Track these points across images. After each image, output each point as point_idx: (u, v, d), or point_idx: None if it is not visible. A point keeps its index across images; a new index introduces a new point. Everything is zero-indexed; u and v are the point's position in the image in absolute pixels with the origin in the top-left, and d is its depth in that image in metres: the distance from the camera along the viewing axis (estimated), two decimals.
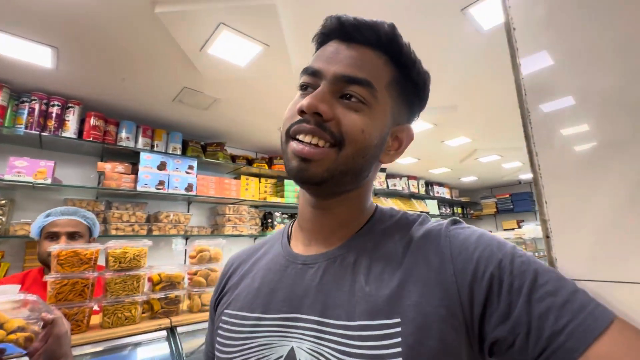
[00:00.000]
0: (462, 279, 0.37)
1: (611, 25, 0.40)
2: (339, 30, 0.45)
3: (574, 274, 0.40)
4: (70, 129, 2.28)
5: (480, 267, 0.37)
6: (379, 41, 0.44)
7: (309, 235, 0.49)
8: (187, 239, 2.92)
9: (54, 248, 0.99)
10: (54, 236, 1.30)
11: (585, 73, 0.42)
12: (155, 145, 2.72)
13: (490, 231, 5.58)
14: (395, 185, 4.85)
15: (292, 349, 0.40)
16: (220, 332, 0.48)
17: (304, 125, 0.41)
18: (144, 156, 2.58)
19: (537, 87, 0.47)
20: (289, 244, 0.52)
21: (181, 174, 2.75)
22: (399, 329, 0.36)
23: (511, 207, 5.95)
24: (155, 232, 2.61)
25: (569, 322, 0.32)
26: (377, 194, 4.83)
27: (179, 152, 2.84)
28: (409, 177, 5.18)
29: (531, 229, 4.70)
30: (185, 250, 2.91)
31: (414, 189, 5.15)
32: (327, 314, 0.40)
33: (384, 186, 4.65)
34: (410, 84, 0.47)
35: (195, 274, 1.24)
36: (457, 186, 6.32)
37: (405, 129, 0.49)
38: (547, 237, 0.44)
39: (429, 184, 5.61)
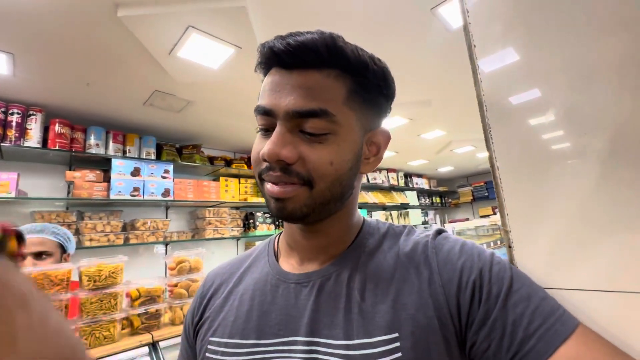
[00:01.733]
0: (448, 290, 0.39)
1: (562, 40, 0.43)
2: (277, 60, 0.41)
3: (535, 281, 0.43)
4: (33, 138, 2.16)
5: (464, 277, 0.39)
6: (322, 59, 0.39)
7: (300, 254, 0.48)
8: (167, 245, 2.85)
9: None
10: None
11: (539, 85, 0.44)
12: (127, 151, 2.62)
13: (467, 219, 5.78)
14: (375, 178, 4.91)
15: None
16: None
17: (270, 174, 0.40)
18: (115, 163, 2.49)
19: (497, 102, 0.49)
20: (277, 261, 0.50)
21: (157, 179, 2.67)
22: (398, 344, 0.36)
23: (486, 194, 6.18)
24: (132, 241, 2.53)
25: (539, 327, 0.34)
26: None
27: (153, 156, 2.75)
28: (389, 170, 5.26)
29: None
30: (165, 262, 2.85)
31: (393, 182, 5.24)
32: (326, 334, 0.40)
33: (364, 180, 4.71)
34: (370, 87, 0.43)
35: (175, 285, 1.22)
36: (435, 176, 6.49)
37: (379, 132, 0.47)
38: (510, 247, 0.46)
39: (407, 175, 5.73)
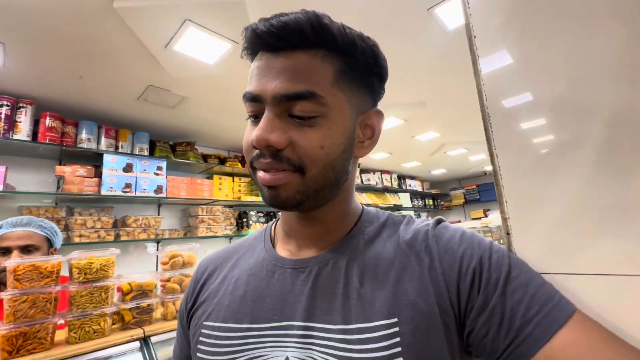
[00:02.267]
0: (449, 277, 0.39)
1: (561, 35, 0.43)
2: (262, 43, 0.40)
3: (531, 267, 0.43)
4: (22, 131, 2.11)
5: (464, 264, 0.39)
6: (307, 39, 0.38)
7: (297, 242, 0.47)
8: (158, 242, 2.81)
9: (10, 263, 0.92)
10: (5, 251, 1.19)
11: (539, 79, 0.45)
12: (119, 146, 2.59)
13: (459, 221, 5.84)
14: (369, 179, 4.93)
15: (286, 359, 0.39)
16: (201, 347, 0.44)
17: (261, 161, 0.39)
18: (107, 158, 2.45)
19: (497, 93, 0.49)
20: (274, 247, 0.49)
21: (149, 176, 2.64)
22: (397, 329, 0.36)
23: (478, 197, 6.26)
24: (123, 237, 2.49)
25: (537, 313, 0.34)
26: None
27: (146, 152, 2.72)
28: (382, 172, 5.29)
29: (496, 218, 4.98)
30: (157, 255, 2.81)
31: (387, 183, 5.27)
32: (323, 319, 0.39)
33: (358, 181, 4.72)
34: (359, 66, 0.42)
35: (168, 280, 1.20)
36: (428, 179, 6.54)
37: (372, 113, 0.46)
38: (508, 233, 0.47)
39: (401, 177, 5.77)
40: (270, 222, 0.55)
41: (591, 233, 0.40)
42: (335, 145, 0.40)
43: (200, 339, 0.45)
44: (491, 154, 0.49)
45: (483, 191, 6.24)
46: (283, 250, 0.48)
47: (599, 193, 0.40)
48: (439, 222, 0.46)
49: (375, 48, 0.43)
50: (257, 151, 0.40)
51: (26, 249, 1.23)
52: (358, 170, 4.74)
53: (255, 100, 0.40)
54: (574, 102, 0.42)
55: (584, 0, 0.42)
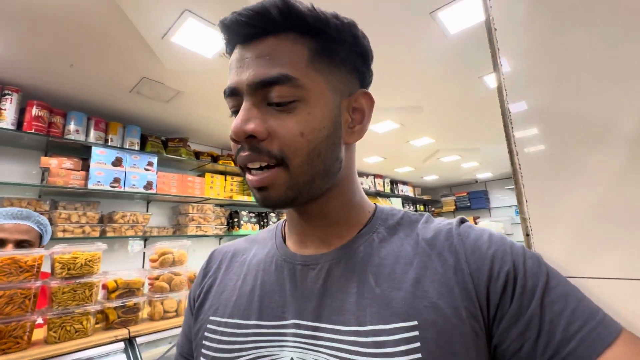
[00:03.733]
0: (478, 279, 0.35)
1: (587, 27, 0.42)
2: (234, 34, 0.39)
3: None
4: (7, 119, 2.02)
5: (495, 266, 0.35)
6: (275, 24, 0.37)
7: (304, 238, 0.45)
8: (145, 240, 2.73)
9: None
10: (0, 243, 1.12)
11: (563, 74, 0.43)
12: (109, 140, 2.51)
13: None
14: (362, 183, 4.92)
15: None
16: (206, 342, 0.42)
17: (241, 155, 0.38)
18: (96, 151, 2.37)
19: (518, 88, 0.47)
20: (284, 243, 0.47)
21: (139, 171, 2.56)
22: (416, 333, 0.33)
23: (468, 204, 6.32)
24: (109, 234, 2.40)
25: (580, 329, 0.31)
26: None
27: (137, 147, 2.64)
28: (375, 176, 5.29)
29: (486, 225, 5.04)
30: (144, 252, 2.72)
31: (379, 188, 5.27)
32: (334, 320, 0.37)
33: None
34: (336, 45, 0.39)
35: (157, 278, 1.15)
36: (420, 184, 6.58)
37: (359, 95, 0.43)
38: (527, 235, 0.45)
39: (393, 182, 5.79)
40: (282, 220, 0.53)
41: (616, 236, 0.38)
42: (317, 131, 0.37)
43: (206, 334, 0.44)
44: (510, 152, 0.47)
45: (473, 199, 6.30)
46: (293, 246, 0.46)
47: (625, 194, 0.38)
48: (462, 221, 0.43)
49: (352, 25, 0.41)
50: (238, 146, 0.38)
51: (21, 244, 1.15)
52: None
53: (233, 94, 0.39)
54: (601, 100, 0.40)
55: None
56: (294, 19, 0.37)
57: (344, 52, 0.40)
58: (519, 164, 0.46)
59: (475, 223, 5.75)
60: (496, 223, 5.12)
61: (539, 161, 0.44)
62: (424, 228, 0.43)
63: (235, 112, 0.40)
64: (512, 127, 0.48)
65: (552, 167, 0.43)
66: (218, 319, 0.44)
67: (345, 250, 0.42)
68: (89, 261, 0.98)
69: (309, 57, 0.38)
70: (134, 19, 1.56)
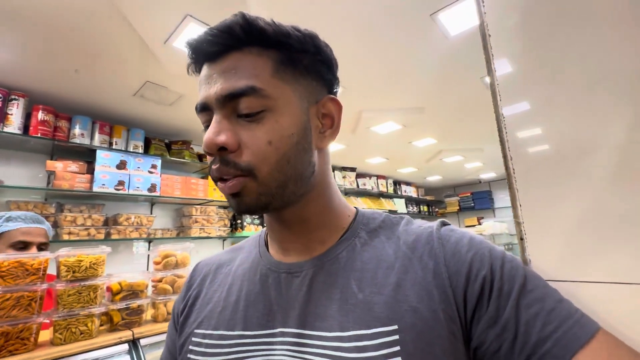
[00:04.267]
0: (456, 282, 0.37)
1: (579, 33, 0.42)
2: (201, 54, 0.41)
3: (546, 274, 0.41)
4: (13, 124, 2.06)
5: (473, 270, 0.37)
6: (239, 40, 0.38)
7: (285, 245, 0.46)
8: (150, 242, 2.76)
9: None
10: (24, 246, 1.17)
11: (554, 80, 0.44)
12: (114, 143, 2.53)
13: None
14: (365, 184, 4.93)
15: None
16: (191, 356, 0.43)
17: (212, 168, 0.39)
18: (101, 154, 2.40)
19: (511, 93, 0.48)
20: (268, 251, 0.48)
21: (143, 174, 2.59)
22: (397, 337, 0.34)
23: (472, 205, 6.29)
24: (114, 236, 2.43)
25: (556, 329, 0.32)
26: (347, 193, 4.88)
27: (140, 150, 2.67)
28: (378, 177, 5.29)
29: (490, 226, 5.00)
30: (149, 255, 2.75)
31: (382, 188, 5.26)
32: (318, 326, 0.37)
33: (354, 185, 4.71)
34: (299, 55, 0.41)
35: (160, 280, 1.16)
36: (423, 185, 6.56)
37: (326, 101, 0.44)
38: (522, 239, 0.45)
39: (397, 183, 5.78)
40: (265, 228, 0.53)
41: (610, 239, 0.38)
42: (286, 138, 0.39)
43: (190, 347, 0.44)
44: (505, 156, 0.48)
45: (477, 199, 6.27)
46: (276, 254, 0.47)
47: (618, 198, 0.38)
48: (443, 224, 0.44)
49: (312, 36, 0.42)
50: (212, 158, 0.39)
51: (41, 247, 1.22)
52: (354, 174, 4.72)
53: (204, 109, 0.40)
54: (593, 104, 0.41)
55: (604, 3, 0.40)
56: (256, 34, 0.39)
57: (307, 61, 0.42)
58: (513, 169, 0.47)
59: (479, 223, 5.72)
60: (500, 223, 5.09)
61: (532, 166, 0.45)
62: (405, 231, 0.44)
63: (207, 126, 0.41)
64: (506, 132, 0.48)
65: (545, 172, 0.44)
66: (203, 331, 0.44)
67: (327, 256, 0.43)
68: (94, 264, 1.00)
69: (273, 68, 0.39)
70: (136, 25, 1.58)
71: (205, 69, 0.41)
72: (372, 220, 0.47)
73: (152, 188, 2.60)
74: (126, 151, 2.57)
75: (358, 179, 4.86)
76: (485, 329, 0.35)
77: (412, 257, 0.40)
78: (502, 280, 0.36)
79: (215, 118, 0.38)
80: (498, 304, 0.35)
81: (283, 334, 0.39)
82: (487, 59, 0.51)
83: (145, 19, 1.55)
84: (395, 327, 0.35)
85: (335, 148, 3.74)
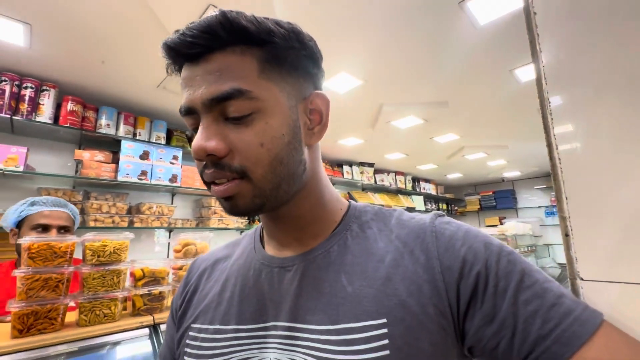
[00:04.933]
0: (449, 277, 0.36)
1: (634, 14, 0.38)
2: (179, 55, 0.38)
3: (595, 275, 0.38)
4: (45, 114, 2.14)
5: (467, 265, 0.36)
6: (220, 38, 0.36)
7: (280, 241, 0.46)
8: (170, 231, 2.82)
9: (25, 240, 0.91)
10: (44, 228, 1.23)
11: (608, 64, 0.39)
12: (137, 134, 2.60)
13: None
14: (383, 180, 4.86)
15: None
16: (188, 350, 0.44)
17: (206, 172, 0.38)
18: (125, 145, 2.46)
19: (559, 76, 0.44)
20: (263, 247, 0.48)
21: (165, 164, 2.64)
22: (385, 330, 0.34)
23: (494, 204, 6.09)
24: (137, 224, 2.50)
25: (555, 327, 0.32)
26: (365, 189, 4.83)
27: (163, 141, 2.73)
28: (397, 173, 5.20)
29: (513, 226, 4.82)
30: (169, 243, 2.82)
31: (401, 185, 5.18)
32: (308, 320, 0.38)
33: (372, 181, 4.65)
34: (284, 52, 0.39)
35: (180, 268, 1.18)
36: (443, 182, 6.41)
37: (313, 97, 0.42)
38: (567, 235, 0.41)
39: (415, 179, 5.66)
40: (260, 224, 0.53)
41: None
42: (277, 139, 0.38)
43: (187, 341, 0.45)
44: (549, 145, 0.44)
45: (500, 198, 6.06)
46: (271, 249, 0.47)
47: None
48: (438, 216, 0.43)
49: (295, 30, 0.40)
50: (202, 163, 0.38)
51: (62, 229, 1.27)
52: (372, 170, 4.66)
53: (189, 113, 0.39)
54: None
55: None
56: (238, 32, 0.37)
57: (292, 57, 0.40)
58: (559, 159, 0.43)
59: (501, 223, 5.53)
60: (524, 224, 4.90)
61: (581, 156, 0.41)
62: (398, 224, 0.43)
63: (195, 129, 0.40)
64: (552, 120, 0.44)
65: (595, 163, 0.40)
66: (199, 325, 0.45)
67: (319, 250, 0.43)
68: (117, 249, 1.02)
69: (259, 68, 0.38)
70: (159, 15, 1.60)
71: (186, 71, 0.39)
72: (364, 213, 0.46)
73: (173, 178, 2.66)
74: (149, 142, 2.63)
75: (376, 175, 4.79)
76: (482, 326, 0.34)
77: (403, 251, 0.39)
78: (497, 276, 0.35)
79: (203, 123, 0.37)
80: (494, 301, 0.34)
81: (275, 328, 0.39)
82: (532, 40, 0.47)
83: (168, 8, 1.56)
84: (384, 320, 0.35)
85: (353, 143, 3.70)
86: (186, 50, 0.37)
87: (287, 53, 0.39)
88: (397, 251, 0.40)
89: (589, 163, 0.40)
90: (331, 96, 0.53)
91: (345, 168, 4.35)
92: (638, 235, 0.36)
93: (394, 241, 0.41)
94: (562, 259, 3.19)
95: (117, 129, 2.51)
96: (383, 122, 3.05)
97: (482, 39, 1.82)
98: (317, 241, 0.44)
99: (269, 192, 0.38)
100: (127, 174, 2.43)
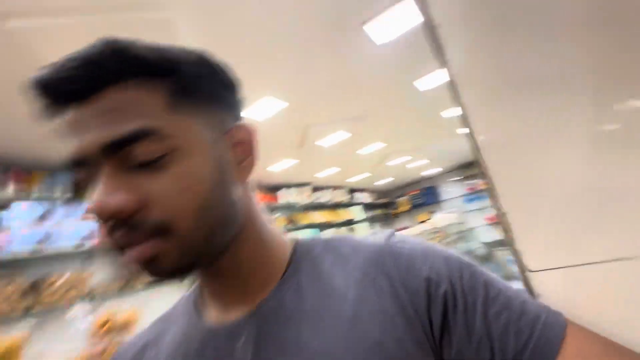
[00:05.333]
0: (418, 304, 0.34)
1: (521, 17, 0.42)
2: (59, 94, 0.30)
3: (542, 264, 0.39)
4: None
5: (432, 285, 0.34)
6: (114, 71, 0.30)
7: (222, 300, 0.39)
8: (92, 301, 2.37)
9: None
10: None
11: (510, 61, 0.43)
12: (33, 191, 2.17)
13: (407, 227, 6.10)
14: (319, 198, 4.91)
15: None
16: None
17: (113, 237, 0.30)
18: (16, 208, 2.03)
19: (470, 80, 0.46)
20: (203, 312, 0.40)
21: (75, 222, 2.24)
22: None
23: (422, 201, 6.63)
24: (42, 305, 2.03)
25: (529, 338, 0.31)
26: (306, 209, 4.82)
27: (69, 194, 2.32)
28: (334, 188, 5.33)
29: (442, 218, 5.29)
30: (88, 318, 2.36)
31: (339, 198, 5.30)
32: None
33: (312, 199, 4.67)
34: (194, 81, 0.34)
35: (104, 352, 0.97)
36: (376, 189, 6.77)
37: (236, 129, 0.37)
38: (507, 231, 0.43)
39: (352, 190, 5.87)
40: (191, 289, 0.44)
41: (594, 219, 0.37)
42: (202, 181, 0.32)
43: None
44: (475, 148, 0.45)
45: (427, 194, 6.64)
46: (213, 313, 0.39)
47: (595, 176, 0.37)
48: (391, 235, 0.41)
49: (204, 57, 0.36)
50: (109, 225, 0.30)
51: None
52: (310, 189, 4.69)
53: (80, 166, 0.30)
54: (550, 86, 0.40)
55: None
56: (135, 63, 0.30)
57: (206, 86, 0.35)
58: (484, 159, 0.45)
59: (429, 218, 6.02)
60: (450, 215, 5.40)
61: (505, 153, 0.43)
62: (351, 252, 0.39)
63: (85, 185, 0.31)
64: (470, 120, 0.46)
65: (520, 156, 0.42)
66: None
67: (271, 301, 0.37)
68: (7, 352, 0.79)
69: (167, 102, 0.31)
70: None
71: (70, 114, 0.30)
72: (312, 248, 0.42)
73: (89, 236, 2.26)
74: (50, 198, 2.21)
75: (315, 193, 4.84)
76: (460, 348, 0.33)
77: (365, 283, 0.36)
78: (464, 292, 0.34)
79: (103, 174, 0.29)
80: (465, 319, 0.33)
81: None
82: (439, 49, 0.50)
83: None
84: None
85: (288, 165, 3.69)
86: (68, 88, 0.29)
87: (198, 83, 0.34)
88: (358, 284, 0.36)
89: (514, 159, 0.43)
90: (256, 123, 0.49)
91: (282, 192, 4.30)
92: (573, 218, 0.38)
93: (352, 273, 0.37)
94: (485, 240, 3.55)
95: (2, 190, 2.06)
96: (311, 142, 3.11)
97: (386, 55, 2.00)
98: (267, 290, 0.37)
99: (201, 245, 0.32)
100: (22, 244, 1.99)
